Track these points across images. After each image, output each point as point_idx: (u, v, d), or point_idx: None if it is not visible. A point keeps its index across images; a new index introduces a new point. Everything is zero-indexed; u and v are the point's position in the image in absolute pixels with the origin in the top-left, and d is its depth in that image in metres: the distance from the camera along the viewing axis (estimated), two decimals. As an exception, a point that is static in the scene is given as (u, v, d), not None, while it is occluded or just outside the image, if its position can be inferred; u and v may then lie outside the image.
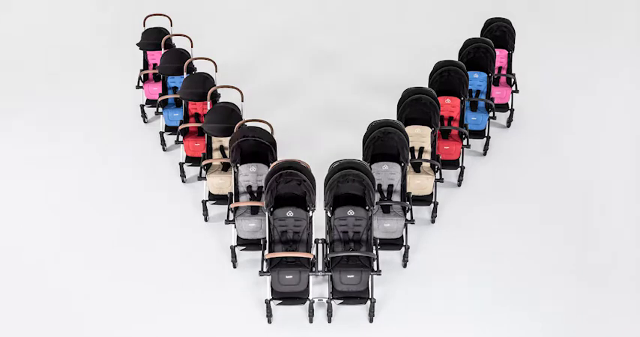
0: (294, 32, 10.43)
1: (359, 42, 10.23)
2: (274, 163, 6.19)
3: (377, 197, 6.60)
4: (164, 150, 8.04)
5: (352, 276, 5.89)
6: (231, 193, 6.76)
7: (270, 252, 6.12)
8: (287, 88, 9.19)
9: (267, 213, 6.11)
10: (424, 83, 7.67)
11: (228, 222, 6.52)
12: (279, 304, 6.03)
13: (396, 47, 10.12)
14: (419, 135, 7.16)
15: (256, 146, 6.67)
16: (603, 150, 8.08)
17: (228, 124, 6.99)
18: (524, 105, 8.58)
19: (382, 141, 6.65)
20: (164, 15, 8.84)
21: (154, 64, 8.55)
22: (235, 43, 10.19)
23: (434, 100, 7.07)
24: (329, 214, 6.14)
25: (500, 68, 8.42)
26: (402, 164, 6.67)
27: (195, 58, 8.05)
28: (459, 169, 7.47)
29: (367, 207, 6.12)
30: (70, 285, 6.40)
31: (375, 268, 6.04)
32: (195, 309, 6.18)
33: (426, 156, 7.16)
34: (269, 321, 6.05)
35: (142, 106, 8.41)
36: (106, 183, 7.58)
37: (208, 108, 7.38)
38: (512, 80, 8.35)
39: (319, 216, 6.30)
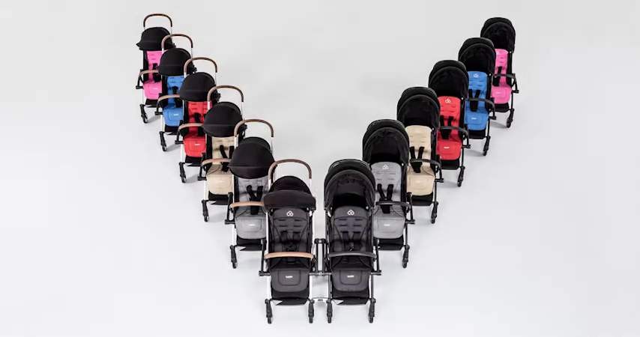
0: (294, 32, 10.43)
1: (359, 42, 10.23)
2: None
3: (377, 197, 6.60)
4: (164, 150, 8.04)
5: (352, 276, 5.89)
6: (231, 193, 6.77)
7: (270, 252, 6.12)
8: (287, 88, 9.19)
9: (267, 213, 6.11)
10: (424, 83, 7.66)
11: (228, 222, 6.53)
12: (279, 304, 6.04)
13: (395, 47, 10.12)
14: (419, 135, 7.16)
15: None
16: (604, 149, 8.07)
17: (228, 124, 6.99)
18: (524, 105, 8.58)
19: (382, 141, 6.65)
20: (164, 15, 8.83)
21: (154, 64, 8.55)
22: (235, 43, 10.19)
23: (434, 100, 7.07)
24: (329, 214, 6.14)
25: (500, 68, 8.42)
26: (402, 164, 6.67)
27: (195, 58, 8.05)
28: (459, 169, 7.46)
29: (367, 207, 6.12)
30: (69, 285, 6.40)
31: (375, 268, 6.04)
32: (195, 309, 6.18)
33: (426, 156, 7.15)
34: (269, 321, 6.05)
35: (141, 106, 8.41)
36: (105, 183, 7.57)
37: (208, 108, 7.38)
38: (512, 80, 8.35)
39: (319, 216, 6.30)
